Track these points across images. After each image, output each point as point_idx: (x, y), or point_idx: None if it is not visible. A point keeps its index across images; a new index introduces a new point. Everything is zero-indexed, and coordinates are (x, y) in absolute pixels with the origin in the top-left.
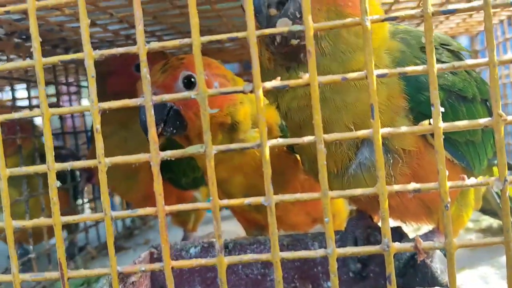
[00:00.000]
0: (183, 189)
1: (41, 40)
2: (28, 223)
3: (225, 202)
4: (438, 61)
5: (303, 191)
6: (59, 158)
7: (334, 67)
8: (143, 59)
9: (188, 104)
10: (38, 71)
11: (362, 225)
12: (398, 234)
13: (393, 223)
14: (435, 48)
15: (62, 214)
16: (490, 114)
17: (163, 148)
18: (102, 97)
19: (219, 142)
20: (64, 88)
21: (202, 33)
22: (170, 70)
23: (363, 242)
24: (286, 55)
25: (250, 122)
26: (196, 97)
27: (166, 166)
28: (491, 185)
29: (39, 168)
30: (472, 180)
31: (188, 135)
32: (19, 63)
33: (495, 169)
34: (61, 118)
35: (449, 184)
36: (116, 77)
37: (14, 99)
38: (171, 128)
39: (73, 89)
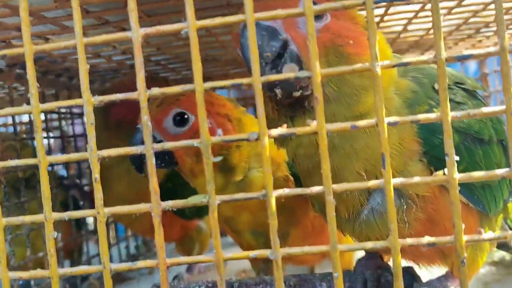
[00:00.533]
0: (188, 218)
1: (44, 70)
2: (24, 274)
3: (229, 255)
4: (452, 101)
5: (313, 229)
6: (61, 188)
7: (340, 112)
8: (143, 105)
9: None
10: (35, 118)
11: (372, 265)
12: (409, 275)
13: (405, 263)
14: (449, 88)
15: (65, 246)
16: (506, 155)
17: (165, 177)
18: (105, 125)
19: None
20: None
21: (208, 62)
22: (163, 105)
23: (373, 283)
24: (290, 105)
25: (247, 165)
26: (199, 145)
27: (170, 195)
28: (509, 239)
29: (36, 218)
30: (489, 234)
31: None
32: (16, 109)
33: (510, 205)
34: (63, 142)
35: (465, 238)
36: (120, 106)
37: (15, 123)
38: (160, 162)
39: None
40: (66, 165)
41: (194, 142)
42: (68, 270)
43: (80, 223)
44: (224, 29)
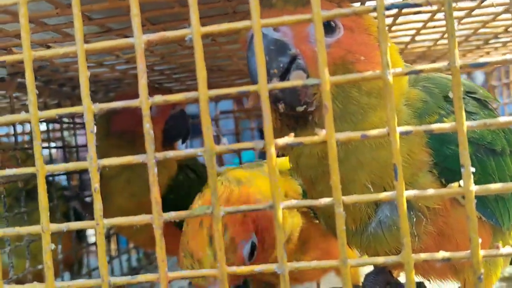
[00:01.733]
0: None
1: (46, 79)
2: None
3: (233, 269)
4: (464, 111)
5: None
6: (62, 199)
7: (345, 130)
8: (145, 113)
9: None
10: (33, 125)
11: (381, 281)
12: None
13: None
14: None
15: (65, 258)
16: None
17: (167, 188)
18: (105, 136)
19: None
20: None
21: (213, 72)
22: (229, 247)
23: None
24: (293, 117)
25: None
26: (202, 154)
27: (172, 207)
28: None
29: (33, 229)
30: (507, 249)
31: None
32: (15, 116)
33: None
34: (65, 153)
35: (482, 253)
36: (120, 116)
37: (16, 133)
38: None
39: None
40: (68, 176)
41: (198, 151)
42: (65, 284)
43: (81, 235)
44: (229, 38)
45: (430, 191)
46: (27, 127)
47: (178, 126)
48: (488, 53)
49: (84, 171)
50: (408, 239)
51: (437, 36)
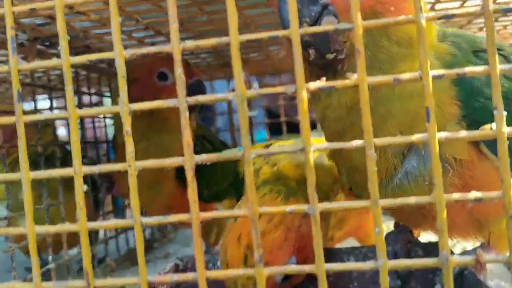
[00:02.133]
0: (205, 202)
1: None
2: (52, 228)
3: (265, 209)
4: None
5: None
6: None
7: None
8: (177, 58)
9: None
10: (65, 70)
11: (402, 239)
12: None
13: (435, 237)
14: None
15: None
16: None
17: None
18: None
19: None
20: (85, 98)
21: (228, 45)
22: None
23: (404, 257)
24: (322, 66)
25: None
26: (233, 98)
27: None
28: None
29: (64, 171)
30: None
31: None
32: (44, 62)
33: None
34: (82, 128)
35: None
36: (138, 85)
37: (36, 109)
38: None
39: (94, 99)
40: (84, 149)
41: (229, 96)
42: (97, 224)
43: (97, 204)
44: (248, 3)
45: (463, 133)
46: (40, 104)
47: (195, 95)
48: (505, 27)
49: (99, 143)
50: (440, 180)
51: (456, 4)
